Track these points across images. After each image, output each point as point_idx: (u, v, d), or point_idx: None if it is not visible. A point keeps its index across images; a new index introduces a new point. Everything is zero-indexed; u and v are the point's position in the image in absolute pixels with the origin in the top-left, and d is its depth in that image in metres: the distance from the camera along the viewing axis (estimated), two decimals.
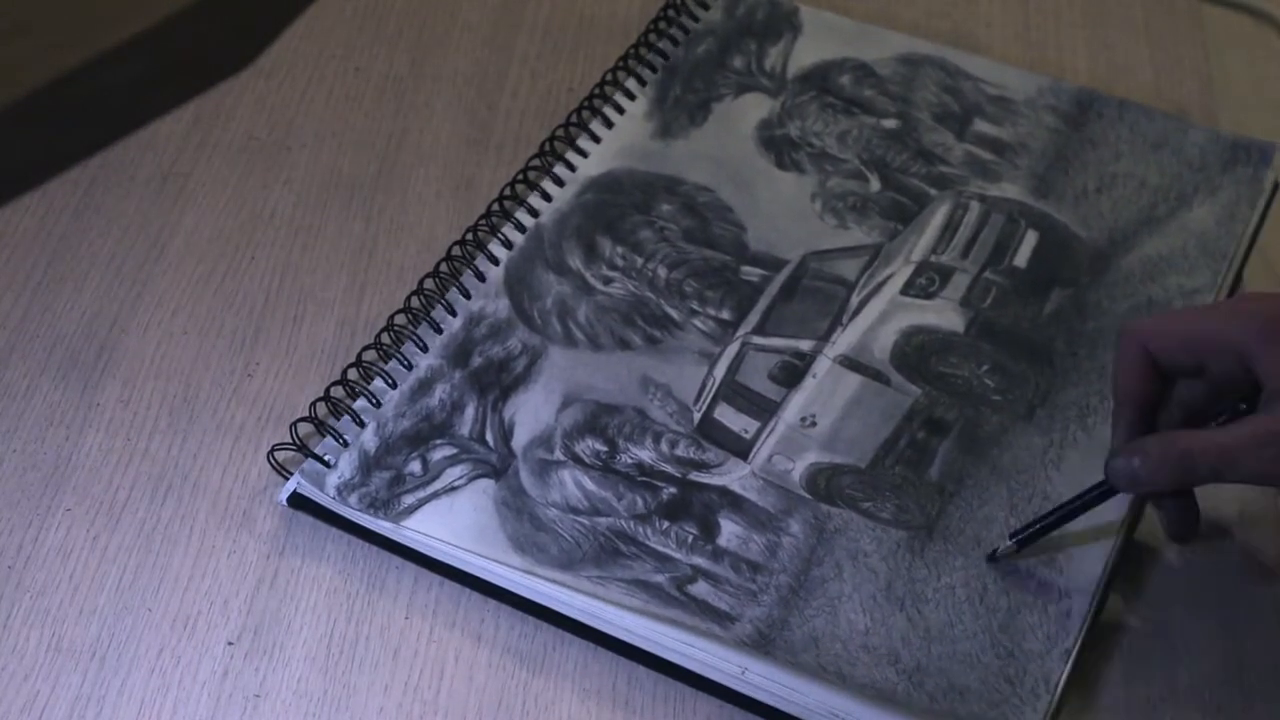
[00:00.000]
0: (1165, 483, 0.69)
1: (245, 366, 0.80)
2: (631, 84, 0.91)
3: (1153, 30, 0.98)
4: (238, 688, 0.69)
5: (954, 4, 1.00)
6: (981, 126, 0.90)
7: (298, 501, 0.74)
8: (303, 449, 0.75)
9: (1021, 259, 0.84)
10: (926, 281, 0.83)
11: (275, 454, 0.75)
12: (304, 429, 0.76)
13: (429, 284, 0.82)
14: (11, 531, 0.73)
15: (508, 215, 0.84)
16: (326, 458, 0.75)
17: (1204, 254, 0.84)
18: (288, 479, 0.75)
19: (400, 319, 0.80)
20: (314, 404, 0.77)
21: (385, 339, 0.79)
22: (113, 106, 0.72)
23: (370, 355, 0.79)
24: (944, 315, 0.81)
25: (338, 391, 0.77)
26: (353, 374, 0.78)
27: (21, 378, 0.79)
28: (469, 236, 0.83)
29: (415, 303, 0.81)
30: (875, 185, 0.87)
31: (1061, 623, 0.70)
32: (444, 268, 0.82)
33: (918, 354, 0.80)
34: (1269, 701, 0.70)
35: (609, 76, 0.91)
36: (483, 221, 0.84)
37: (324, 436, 0.76)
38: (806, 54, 0.94)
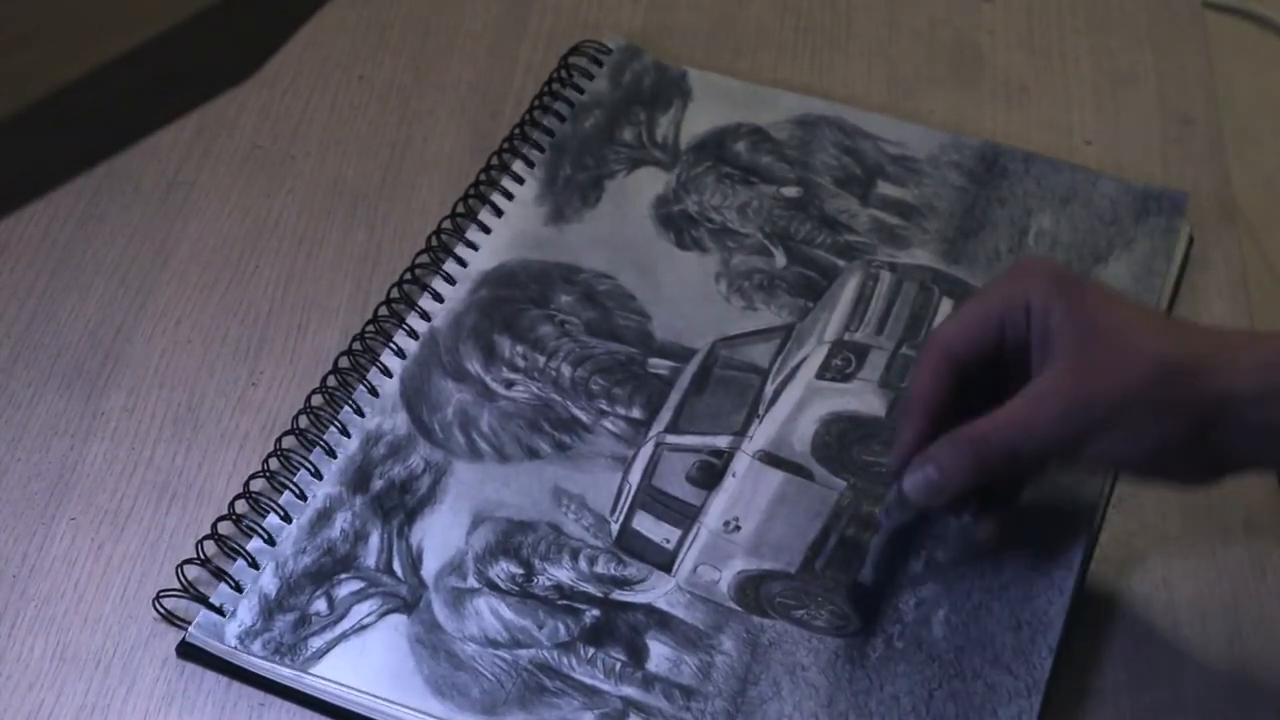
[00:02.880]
0: (964, 479, 0.66)
1: (249, 375, 0.79)
2: (519, 166, 0.87)
3: (1156, 37, 0.96)
4: (243, 695, 0.68)
5: (956, 11, 0.98)
6: (885, 189, 0.87)
7: (188, 650, 0.69)
8: (195, 596, 0.70)
9: None
10: (842, 363, 0.79)
11: (161, 601, 0.70)
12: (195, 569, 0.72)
13: (317, 400, 0.77)
14: (16, 540, 0.73)
15: (399, 320, 0.79)
16: (222, 605, 0.70)
17: None
18: (179, 626, 0.70)
19: (289, 441, 0.75)
20: (201, 542, 0.72)
21: (274, 464, 0.74)
22: (116, 116, 0.70)
23: (259, 484, 0.74)
24: (863, 399, 0.78)
25: (226, 528, 0.72)
26: (241, 506, 0.73)
27: (26, 386, 0.78)
28: (357, 346, 0.78)
29: (304, 422, 0.76)
30: (781, 260, 0.84)
31: None
32: (332, 381, 0.77)
33: (839, 444, 0.76)
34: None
35: (494, 160, 0.86)
36: (370, 328, 0.79)
37: (218, 581, 0.71)
38: (699, 121, 0.90)
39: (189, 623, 0.70)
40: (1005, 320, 0.66)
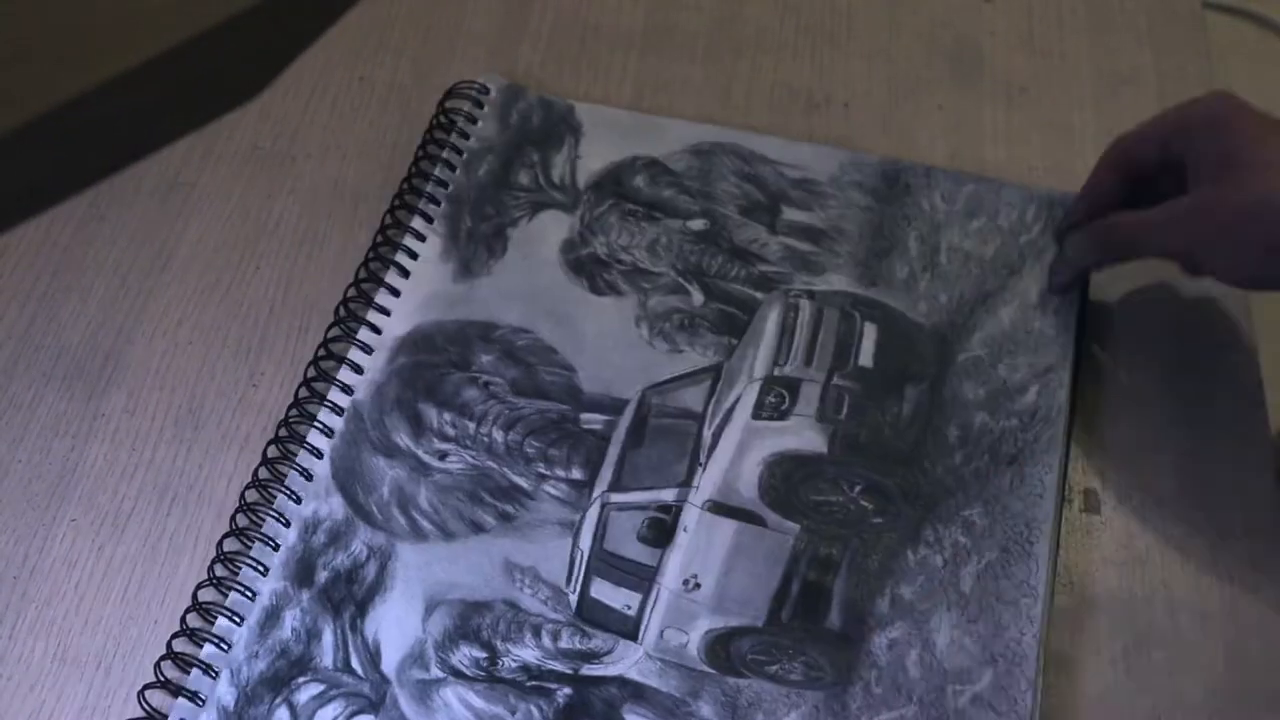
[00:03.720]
0: (1095, 252, 0.79)
1: (250, 376, 0.79)
2: (418, 223, 0.84)
3: (1156, 37, 0.96)
4: None
5: (958, 12, 0.96)
6: (791, 214, 0.85)
7: None
8: (157, 717, 0.67)
9: (866, 357, 0.80)
10: (776, 399, 0.78)
11: None
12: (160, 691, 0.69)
13: (251, 495, 0.73)
14: (17, 542, 0.73)
15: (319, 397, 0.76)
16: None
17: (1046, 325, 0.80)
18: None
19: (230, 543, 0.72)
20: (159, 663, 0.68)
21: (219, 570, 0.71)
22: (119, 132, 0.66)
23: (208, 593, 0.71)
24: (803, 436, 0.76)
25: (181, 644, 0.69)
26: (193, 619, 0.70)
27: (27, 388, 0.79)
28: (282, 432, 0.75)
29: (242, 520, 0.72)
30: (698, 298, 0.82)
31: None
32: (263, 472, 0.74)
33: (785, 485, 0.75)
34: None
35: (388, 218, 0.83)
36: (293, 411, 0.76)
37: (175, 697, 0.67)
38: (593, 158, 0.88)
39: None
40: (1172, 137, 0.75)
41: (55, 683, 0.69)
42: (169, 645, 0.69)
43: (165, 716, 0.67)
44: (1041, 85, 0.93)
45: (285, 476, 0.74)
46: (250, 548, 0.72)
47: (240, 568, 0.71)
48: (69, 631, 0.71)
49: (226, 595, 0.70)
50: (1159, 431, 0.78)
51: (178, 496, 0.75)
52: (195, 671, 0.68)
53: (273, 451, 0.74)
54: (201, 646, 0.69)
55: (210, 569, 0.71)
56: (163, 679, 0.68)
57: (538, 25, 0.96)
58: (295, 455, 0.74)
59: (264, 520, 0.72)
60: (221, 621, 0.69)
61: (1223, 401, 0.78)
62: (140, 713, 0.67)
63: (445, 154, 0.87)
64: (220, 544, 0.72)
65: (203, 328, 0.81)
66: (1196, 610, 0.72)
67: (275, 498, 0.73)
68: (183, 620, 0.69)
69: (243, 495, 0.73)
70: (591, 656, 0.70)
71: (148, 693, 0.68)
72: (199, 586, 0.71)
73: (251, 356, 0.80)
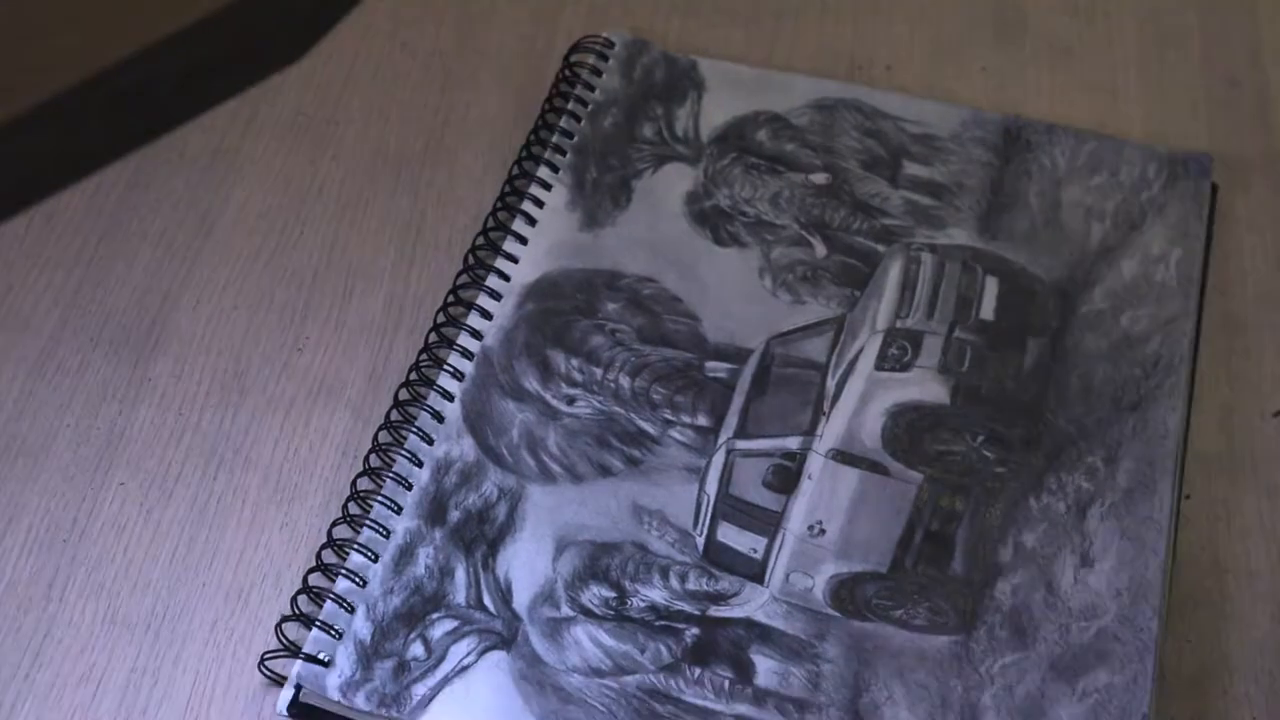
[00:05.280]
0: None
1: (295, 341, 0.80)
2: (544, 172, 0.85)
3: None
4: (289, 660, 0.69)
5: None
6: (912, 169, 0.86)
7: (299, 708, 0.68)
8: (293, 650, 0.68)
9: (987, 310, 0.80)
10: (899, 351, 0.79)
11: (266, 663, 0.69)
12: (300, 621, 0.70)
13: (384, 436, 0.75)
14: (66, 506, 0.74)
15: (449, 342, 0.78)
16: (320, 653, 0.68)
17: (1169, 277, 0.81)
18: (283, 684, 0.69)
19: (364, 482, 0.73)
20: (295, 596, 0.70)
21: (354, 508, 0.72)
22: (161, 98, 0.69)
23: (342, 531, 0.72)
24: (926, 387, 0.77)
25: (317, 579, 0.70)
26: (328, 555, 0.71)
27: (74, 353, 0.79)
28: (413, 376, 0.77)
29: (375, 461, 0.74)
30: (821, 250, 0.83)
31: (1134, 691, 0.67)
32: (395, 415, 0.75)
33: (909, 435, 0.76)
34: None
35: (516, 170, 0.84)
36: (424, 356, 0.77)
37: (310, 629, 0.69)
38: (716, 112, 0.89)
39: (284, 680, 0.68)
40: None
41: (106, 644, 0.70)
42: (305, 580, 0.71)
43: (299, 649, 0.68)
44: (1085, 46, 0.94)
45: (416, 419, 0.75)
46: (382, 486, 0.73)
47: (372, 506, 0.72)
48: (118, 594, 0.71)
49: (359, 532, 0.72)
50: None
51: (224, 460, 0.76)
52: (331, 605, 0.69)
53: (403, 395, 0.76)
54: (333, 580, 0.70)
55: (344, 507, 0.73)
56: (299, 612, 0.69)
57: None
58: (426, 398, 0.76)
59: (395, 460, 0.74)
60: (355, 558, 0.71)
61: None
62: (277, 644, 0.69)
63: (571, 106, 0.88)
64: (354, 483, 0.73)
65: (247, 293, 0.82)
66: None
67: (406, 438, 0.74)
68: (318, 556, 0.71)
69: (375, 436, 0.75)
70: (718, 598, 0.71)
71: (284, 625, 0.69)
72: (334, 524, 0.72)
73: (296, 321, 0.81)
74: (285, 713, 0.68)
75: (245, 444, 0.76)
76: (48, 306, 0.81)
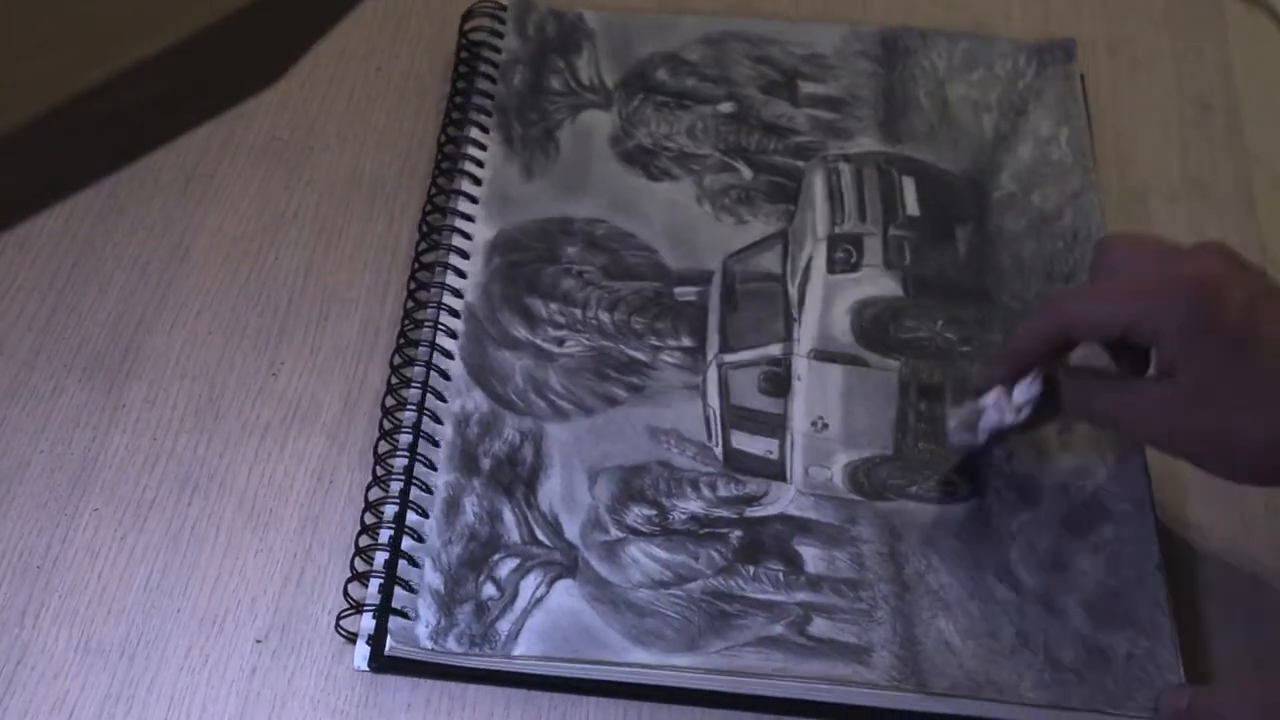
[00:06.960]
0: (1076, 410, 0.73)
1: (270, 366, 0.80)
2: (475, 133, 0.87)
3: (1173, 21, 0.99)
4: (265, 685, 0.70)
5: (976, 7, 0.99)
6: (809, 88, 0.91)
7: (380, 663, 0.70)
8: (386, 609, 0.70)
9: (912, 207, 0.86)
10: (844, 254, 0.84)
11: (341, 623, 0.70)
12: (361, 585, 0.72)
13: (390, 400, 0.77)
14: (40, 532, 0.74)
15: (436, 304, 0.80)
16: (404, 608, 0.70)
17: (1064, 154, 0.88)
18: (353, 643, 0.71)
19: (383, 445, 0.75)
20: (354, 558, 0.72)
21: (379, 470, 0.74)
22: (137, 123, 0.68)
23: (375, 493, 0.74)
24: (879, 283, 0.83)
25: (365, 540, 0.72)
26: (369, 518, 0.73)
27: (48, 379, 0.79)
28: (401, 341, 0.79)
29: (387, 424, 0.76)
30: (747, 173, 0.87)
31: (1141, 541, 0.74)
32: (394, 379, 0.77)
33: (875, 327, 0.81)
34: None
35: (443, 135, 0.87)
36: (406, 322, 0.79)
37: (366, 586, 0.71)
38: (612, 59, 0.92)
39: (354, 637, 0.70)
40: (1130, 330, 0.67)
41: (79, 672, 0.70)
42: (356, 542, 0.72)
43: (373, 607, 0.70)
44: None
45: (426, 379, 0.77)
46: (416, 446, 0.75)
47: (392, 467, 0.74)
48: (91, 621, 0.71)
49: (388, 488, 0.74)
50: None
51: (199, 486, 0.76)
52: (401, 563, 0.71)
53: (397, 360, 0.78)
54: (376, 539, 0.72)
55: (373, 470, 0.74)
56: (358, 571, 0.71)
57: None
58: (419, 360, 0.78)
59: (403, 421, 0.76)
60: (411, 516, 0.73)
61: None
62: (346, 605, 0.70)
63: (483, 68, 0.90)
64: (375, 448, 0.75)
65: (222, 318, 0.82)
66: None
67: (423, 399, 0.76)
68: (361, 519, 0.73)
69: (383, 402, 0.77)
70: (751, 500, 0.75)
71: (349, 585, 0.71)
72: (368, 486, 0.74)
73: (271, 346, 0.81)
74: (367, 668, 0.69)
75: (220, 469, 0.76)
76: (21, 332, 0.81)
